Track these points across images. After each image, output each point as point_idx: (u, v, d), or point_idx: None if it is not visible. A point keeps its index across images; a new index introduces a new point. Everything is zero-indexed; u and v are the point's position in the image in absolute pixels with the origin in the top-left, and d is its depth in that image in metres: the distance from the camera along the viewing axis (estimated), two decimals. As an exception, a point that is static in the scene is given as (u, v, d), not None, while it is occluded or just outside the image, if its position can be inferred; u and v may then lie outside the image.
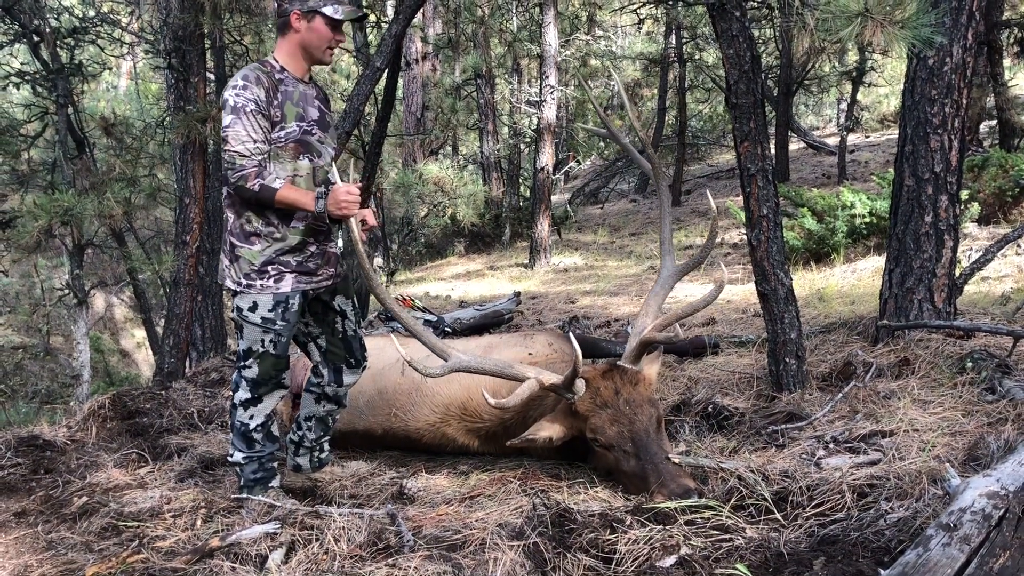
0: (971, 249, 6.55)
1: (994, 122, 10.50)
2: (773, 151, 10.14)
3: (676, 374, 4.52)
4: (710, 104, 18.26)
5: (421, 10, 10.39)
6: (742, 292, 7.22)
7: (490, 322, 6.39)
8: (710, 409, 3.76)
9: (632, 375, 3.22)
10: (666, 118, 16.45)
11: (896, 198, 4.27)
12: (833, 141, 16.49)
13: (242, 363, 3.10)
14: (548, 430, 3.21)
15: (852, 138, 16.29)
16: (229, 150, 2.87)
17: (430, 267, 14.74)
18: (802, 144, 17.29)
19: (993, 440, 2.77)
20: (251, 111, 2.87)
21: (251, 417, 3.12)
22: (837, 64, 14.41)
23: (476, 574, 2.33)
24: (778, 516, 2.54)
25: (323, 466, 3.51)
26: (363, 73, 6.21)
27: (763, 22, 10.76)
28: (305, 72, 3.07)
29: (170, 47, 6.00)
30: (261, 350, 3.06)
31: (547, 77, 11.65)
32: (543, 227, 11.79)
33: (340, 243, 3.26)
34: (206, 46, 6.19)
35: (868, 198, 7.64)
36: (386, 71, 6.34)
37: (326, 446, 3.48)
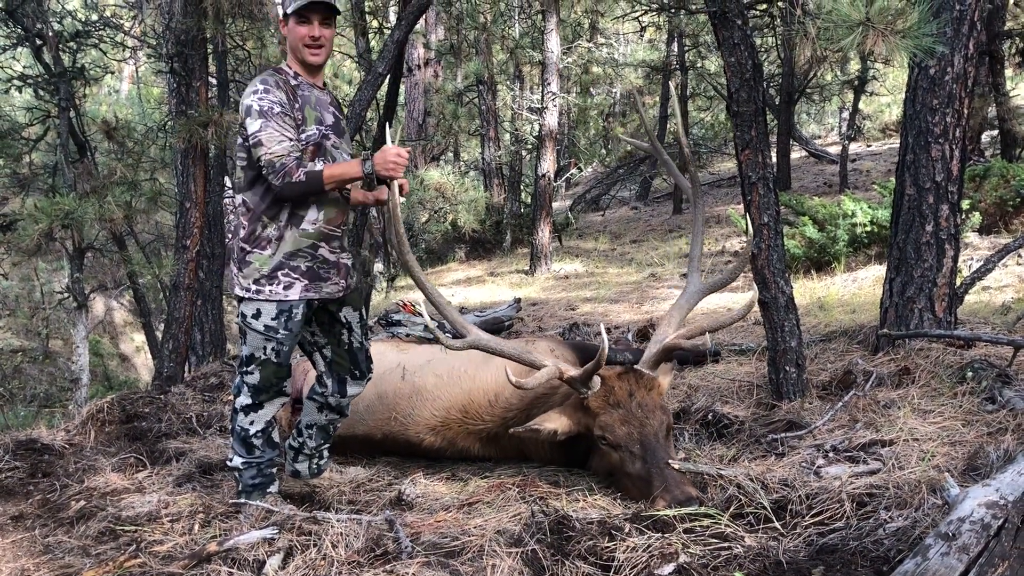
0: (972, 259, 6.53)
1: (996, 132, 10.50)
2: (774, 159, 10.12)
3: (676, 382, 4.51)
4: (712, 112, 18.28)
5: (423, 16, 10.43)
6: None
7: (490, 328, 6.36)
8: (710, 417, 3.77)
9: (648, 380, 3.22)
10: (668, 126, 16.45)
11: (897, 207, 4.27)
12: (835, 150, 16.48)
13: (244, 368, 3.10)
14: (555, 422, 3.22)
15: (854, 147, 16.28)
16: (266, 154, 2.85)
17: (431, 273, 14.72)
18: (804, 153, 17.28)
19: (993, 450, 2.77)
20: (278, 113, 2.88)
21: (252, 423, 3.12)
22: (839, 73, 14.43)
23: (474, 581, 2.32)
24: (777, 525, 2.53)
25: (322, 472, 3.50)
26: (365, 79, 6.23)
27: (765, 30, 10.76)
28: (315, 78, 3.09)
29: (172, 51, 6.01)
30: (263, 357, 3.06)
31: (549, 84, 11.66)
32: (544, 234, 11.79)
33: (349, 256, 3.24)
34: (208, 50, 6.20)
35: (869, 207, 7.63)
36: (388, 77, 6.37)
37: (325, 453, 3.48)
